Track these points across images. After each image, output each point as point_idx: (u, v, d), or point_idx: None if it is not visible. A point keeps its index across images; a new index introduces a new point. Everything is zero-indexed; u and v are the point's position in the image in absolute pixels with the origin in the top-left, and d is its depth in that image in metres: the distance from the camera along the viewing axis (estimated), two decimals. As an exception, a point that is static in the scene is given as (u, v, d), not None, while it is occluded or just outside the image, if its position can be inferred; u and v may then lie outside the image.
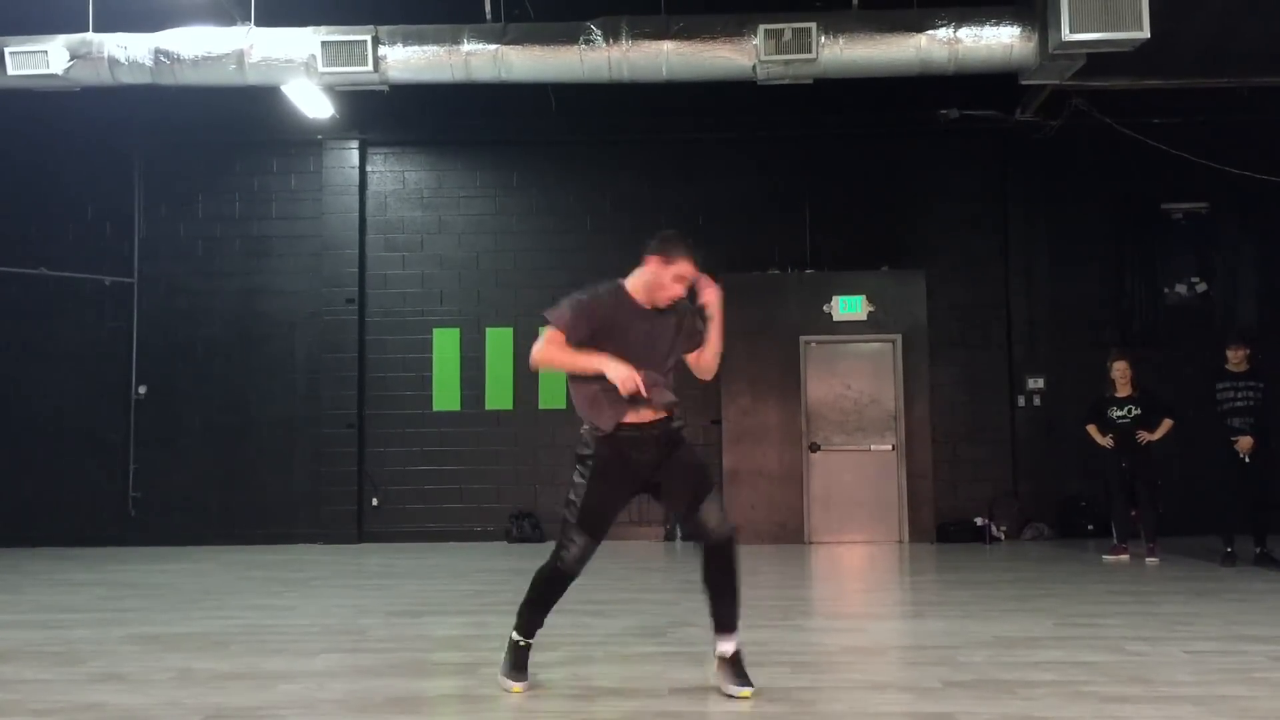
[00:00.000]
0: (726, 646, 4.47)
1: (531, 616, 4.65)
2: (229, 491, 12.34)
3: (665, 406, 4.45)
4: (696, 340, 4.59)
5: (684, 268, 4.41)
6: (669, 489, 4.53)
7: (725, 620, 4.47)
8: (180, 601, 7.66)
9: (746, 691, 4.39)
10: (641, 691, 4.63)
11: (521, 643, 4.64)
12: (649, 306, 4.48)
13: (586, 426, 4.50)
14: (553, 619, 6.60)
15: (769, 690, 4.60)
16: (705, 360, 4.62)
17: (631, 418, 4.41)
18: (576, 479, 4.49)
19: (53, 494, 12.24)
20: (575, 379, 4.49)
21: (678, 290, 4.44)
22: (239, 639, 6.04)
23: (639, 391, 4.25)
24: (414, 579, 8.92)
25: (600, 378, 4.33)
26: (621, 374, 4.24)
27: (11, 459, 12.27)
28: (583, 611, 6.87)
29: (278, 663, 5.34)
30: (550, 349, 4.42)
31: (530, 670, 4.67)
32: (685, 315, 4.57)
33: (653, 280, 4.44)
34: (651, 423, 4.44)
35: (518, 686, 4.59)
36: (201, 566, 9.94)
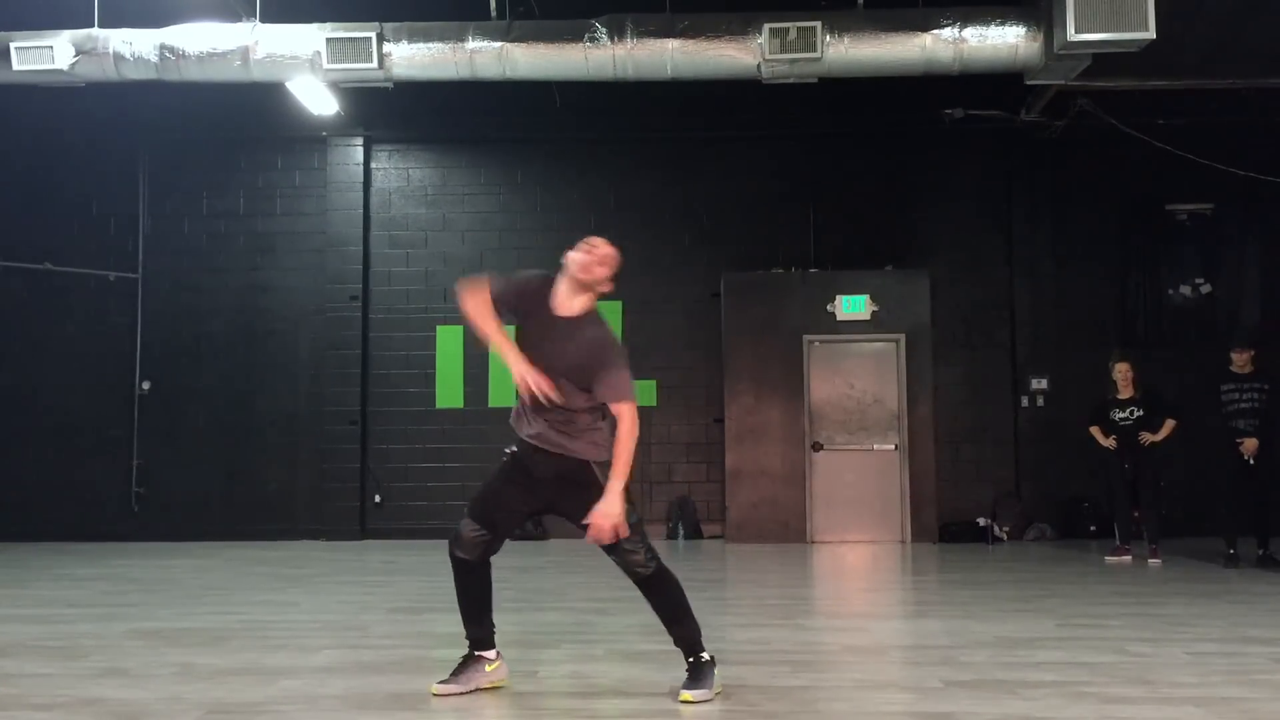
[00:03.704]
0: (688, 659, 4.44)
1: (463, 621, 4.62)
2: (232, 487, 12.35)
3: (541, 434, 4.36)
4: (599, 385, 4.31)
5: (593, 240, 4.45)
6: (574, 523, 4.38)
7: (680, 644, 4.45)
8: (182, 597, 7.67)
9: (687, 695, 4.33)
10: (643, 690, 4.63)
11: (468, 651, 4.64)
12: (559, 309, 4.40)
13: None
14: (555, 617, 6.63)
15: (770, 689, 4.61)
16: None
17: (514, 425, 4.46)
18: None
19: (56, 489, 12.26)
20: None
21: (585, 258, 4.37)
22: (240, 634, 6.05)
23: (532, 392, 4.21)
24: (416, 576, 8.92)
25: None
26: (516, 372, 4.24)
27: (15, 453, 12.29)
28: (583, 610, 6.89)
29: (279, 658, 5.34)
30: (477, 297, 4.38)
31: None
32: (584, 340, 4.34)
33: (567, 265, 4.39)
34: (536, 447, 4.39)
35: (437, 687, 4.56)
36: (204, 562, 9.95)
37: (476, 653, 4.60)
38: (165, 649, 5.62)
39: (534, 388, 4.21)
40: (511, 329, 4.51)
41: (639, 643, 5.69)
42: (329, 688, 4.69)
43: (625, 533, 4.24)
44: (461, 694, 4.51)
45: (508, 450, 4.54)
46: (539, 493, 4.44)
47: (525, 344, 4.37)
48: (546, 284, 4.46)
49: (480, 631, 4.60)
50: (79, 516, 12.19)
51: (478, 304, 4.38)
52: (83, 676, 4.97)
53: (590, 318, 4.42)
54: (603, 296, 4.47)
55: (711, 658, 4.45)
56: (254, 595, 7.77)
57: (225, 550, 11.00)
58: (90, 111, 11.59)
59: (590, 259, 4.38)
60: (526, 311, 4.42)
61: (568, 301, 4.41)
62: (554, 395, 4.24)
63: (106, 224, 12.65)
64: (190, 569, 9.44)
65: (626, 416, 4.26)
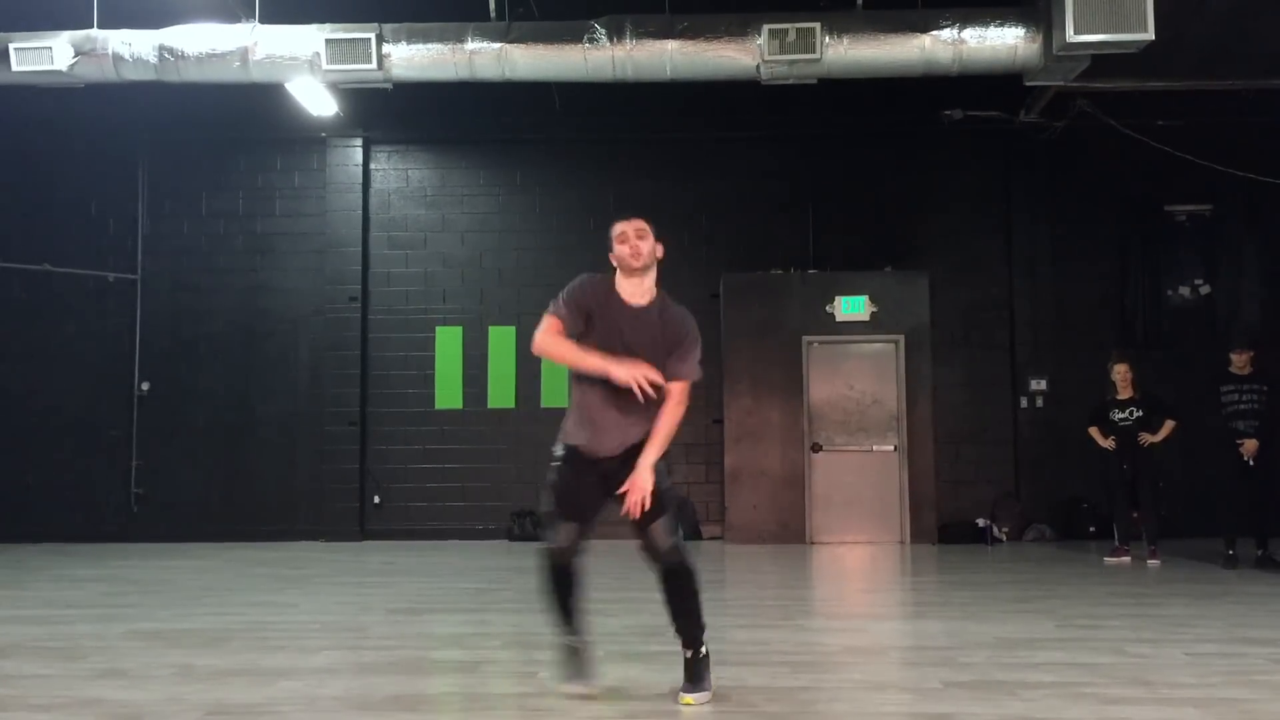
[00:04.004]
0: (686, 651, 4.44)
1: (551, 614, 4.57)
2: (231, 488, 12.35)
3: (634, 438, 4.36)
4: (673, 368, 4.35)
5: (617, 229, 4.43)
6: (620, 500, 4.38)
7: (682, 635, 4.44)
8: (181, 598, 7.67)
9: (689, 699, 4.34)
10: (643, 691, 4.63)
11: (570, 646, 4.56)
12: (627, 301, 4.41)
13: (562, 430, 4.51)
14: (554, 617, 6.62)
15: (769, 690, 4.61)
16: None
17: (591, 447, 4.39)
18: (550, 470, 4.50)
19: (55, 490, 12.26)
20: (575, 387, 4.44)
21: (629, 248, 4.36)
22: (240, 635, 6.05)
23: (643, 389, 4.17)
24: (415, 577, 8.92)
25: (583, 391, 4.35)
26: (624, 374, 4.19)
27: (14, 454, 12.28)
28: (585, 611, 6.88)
29: (278, 659, 5.34)
30: (546, 337, 4.39)
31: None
32: (672, 326, 4.41)
33: (620, 263, 4.41)
34: (610, 457, 4.38)
35: (569, 688, 4.49)
36: (203, 563, 9.95)
37: (569, 640, 4.56)
38: (165, 650, 5.62)
39: (645, 381, 4.19)
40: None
41: (639, 644, 5.69)
42: (328, 689, 4.69)
43: (648, 506, 4.25)
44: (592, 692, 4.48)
45: (559, 455, 4.47)
46: (611, 485, 4.39)
47: (604, 344, 4.33)
48: (605, 281, 4.47)
49: (580, 625, 4.57)
50: (78, 517, 12.20)
51: (551, 341, 4.38)
52: (82, 677, 4.97)
53: (665, 299, 4.47)
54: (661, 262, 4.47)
55: (708, 652, 4.44)
56: (253, 596, 7.77)
57: (225, 551, 11.00)
58: (89, 112, 11.58)
59: (629, 247, 4.37)
60: (595, 313, 4.38)
61: (637, 291, 4.42)
62: (661, 379, 4.25)
63: (105, 225, 12.65)
64: (190, 570, 9.43)
65: (679, 392, 4.34)
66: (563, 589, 4.52)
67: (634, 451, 4.34)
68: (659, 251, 4.46)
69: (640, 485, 4.24)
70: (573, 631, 4.55)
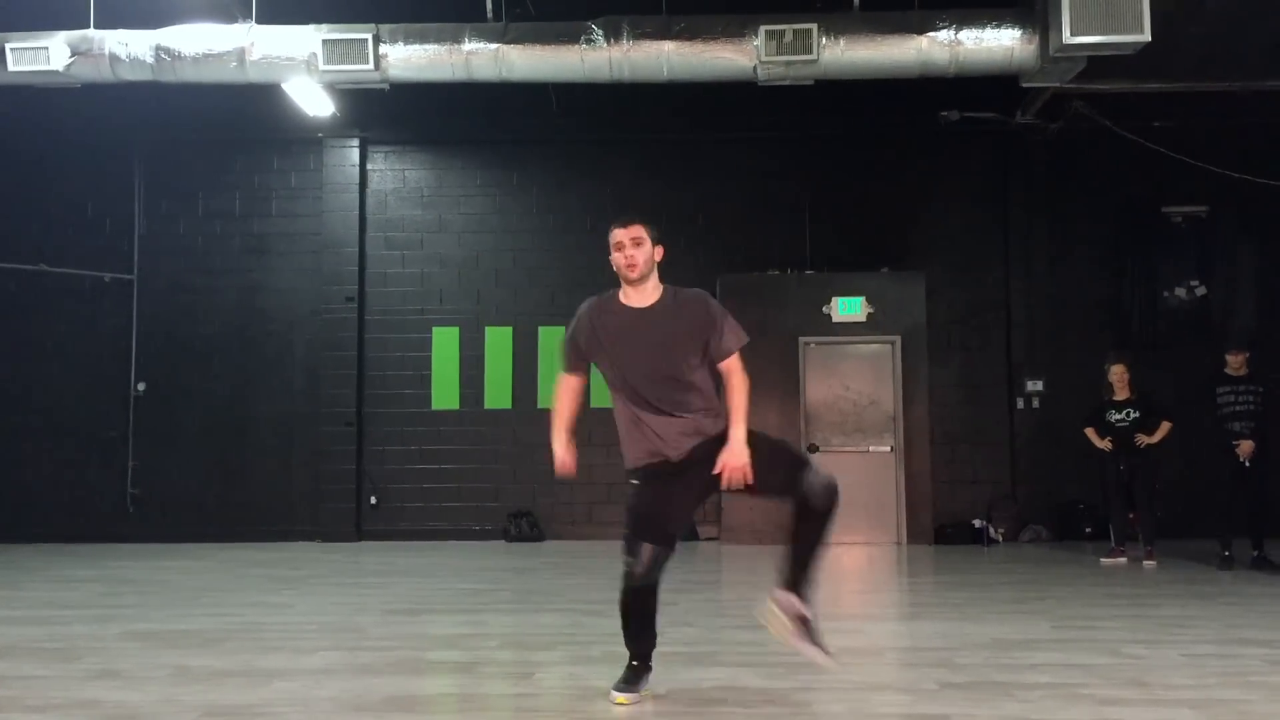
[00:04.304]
0: (789, 593, 4.37)
1: (635, 641, 4.48)
2: (227, 489, 12.34)
3: (691, 435, 4.33)
4: (715, 350, 4.37)
5: (612, 237, 4.42)
6: (755, 485, 4.33)
7: (786, 576, 4.37)
8: (178, 599, 7.66)
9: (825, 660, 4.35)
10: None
11: (634, 663, 4.48)
12: (632, 306, 4.41)
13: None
14: (550, 619, 6.63)
15: (766, 691, 4.61)
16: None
17: (665, 456, 4.34)
18: (629, 491, 4.45)
19: (52, 490, 12.25)
20: (617, 407, 4.45)
21: (623, 257, 4.35)
22: (236, 636, 6.04)
23: (561, 473, 4.42)
24: (412, 577, 8.92)
25: (623, 406, 4.38)
26: (557, 460, 4.48)
27: (11, 455, 12.28)
28: (580, 611, 6.88)
29: (274, 660, 5.34)
30: (558, 389, 4.60)
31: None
32: (689, 313, 4.39)
33: (617, 272, 4.41)
34: (687, 458, 4.34)
35: (622, 698, 4.38)
36: (199, 564, 9.94)
37: (643, 663, 4.48)
38: (161, 651, 5.62)
39: (563, 470, 4.45)
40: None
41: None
42: (325, 689, 4.69)
43: (751, 478, 4.24)
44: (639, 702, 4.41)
45: (634, 478, 4.42)
46: (700, 479, 4.36)
47: (626, 356, 4.34)
48: (603, 302, 4.47)
49: (652, 642, 4.50)
50: (74, 518, 12.18)
51: (557, 396, 4.60)
52: (78, 678, 4.97)
53: (671, 289, 4.47)
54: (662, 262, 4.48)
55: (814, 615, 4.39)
56: (249, 597, 7.77)
57: (221, 552, 10.99)
58: (85, 112, 11.57)
59: (625, 257, 4.36)
60: (603, 335, 4.39)
61: (638, 296, 4.43)
62: (567, 471, 4.47)
63: (102, 225, 12.64)
64: (186, 570, 9.43)
65: (734, 366, 4.37)
66: (643, 610, 4.43)
67: (708, 443, 4.32)
68: (658, 255, 4.43)
69: (734, 461, 4.22)
70: (645, 656, 4.48)
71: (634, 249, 4.36)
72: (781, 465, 4.32)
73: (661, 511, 4.34)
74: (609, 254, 4.43)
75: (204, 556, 10.55)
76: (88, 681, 4.90)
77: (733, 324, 4.40)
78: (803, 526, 4.31)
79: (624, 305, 4.43)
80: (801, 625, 4.35)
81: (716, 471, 4.24)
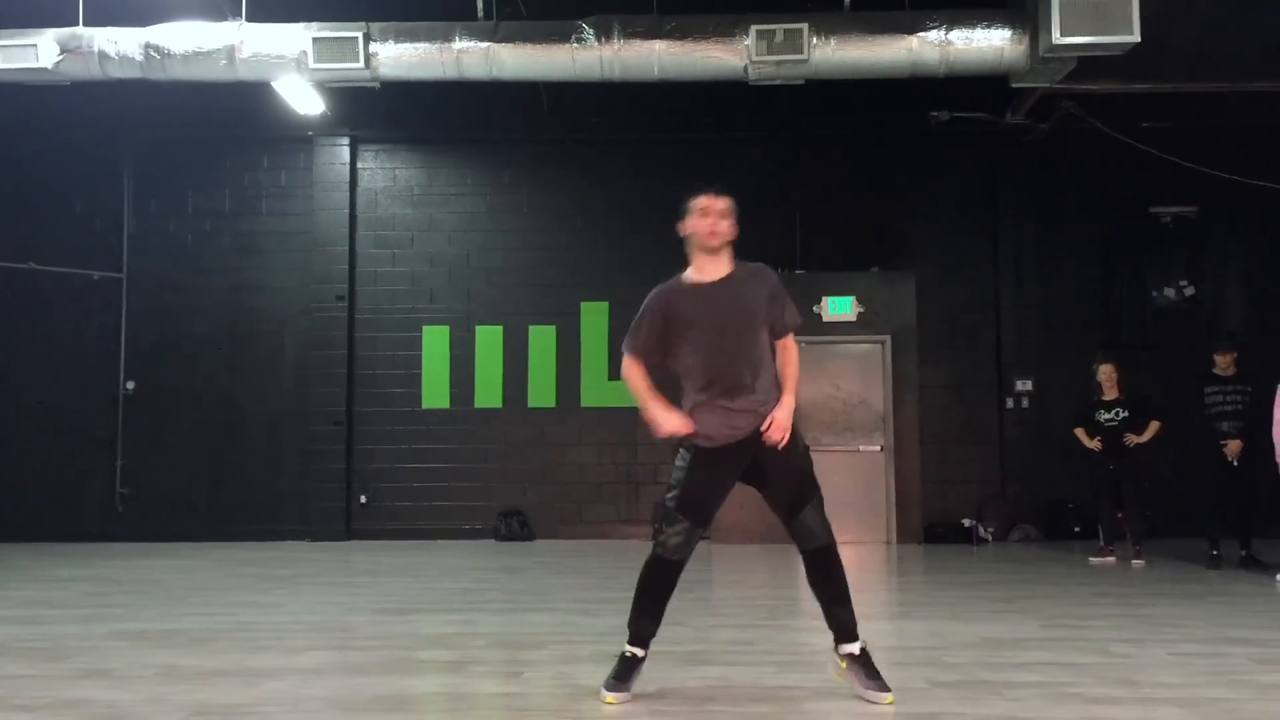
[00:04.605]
0: (850, 648, 4.41)
1: (640, 619, 4.48)
2: (217, 488, 12.32)
3: (757, 413, 4.36)
4: (777, 326, 4.47)
5: (700, 202, 4.40)
6: (771, 486, 4.45)
7: (838, 627, 4.42)
8: (166, 598, 7.64)
9: (888, 698, 4.30)
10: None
11: (628, 653, 4.46)
12: (707, 281, 4.41)
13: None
14: (540, 618, 6.63)
15: (756, 689, 4.61)
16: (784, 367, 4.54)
17: (728, 436, 4.35)
18: (678, 462, 4.46)
19: (40, 489, 12.21)
20: (690, 387, 4.45)
21: (709, 223, 4.35)
22: (225, 636, 6.03)
23: (663, 434, 4.32)
24: (401, 576, 8.90)
25: (698, 389, 4.36)
26: (660, 426, 4.36)
27: (-2, 454, 12.24)
28: (570, 610, 6.88)
29: (263, 660, 5.32)
30: (626, 369, 4.51)
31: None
32: (757, 288, 4.44)
33: (691, 237, 4.42)
34: (748, 436, 4.37)
35: (611, 697, 4.36)
36: (188, 563, 9.91)
37: (638, 651, 4.47)
38: (149, 650, 5.60)
39: (670, 432, 4.35)
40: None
41: (624, 644, 5.68)
42: (314, 689, 4.67)
43: (785, 445, 4.35)
44: (629, 701, 4.39)
45: (689, 456, 4.41)
46: (742, 462, 4.42)
47: (708, 334, 4.34)
48: (673, 287, 4.46)
49: (655, 628, 4.52)
50: (63, 517, 12.15)
51: (634, 381, 4.48)
52: (66, 678, 4.95)
53: (742, 264, 4.48)
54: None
55: (864, 648, 4.43)
56: (239, 596, 7.75)
57: (210, 551, 10.96)
58: (74, 110, 11.54)
59: (710, 222, 4.36)
60: (676, 317, 4.38)
61: (713, 268, 4.43)
62: (687, 429, 4.36)
63: (91, 223, 12.61)
64: (175, 570, 9.40)
65: (792, 343, 4.54)
66: (662, 588, 4.47)
67: (754, 427, 4.38)
68: (733, 232, 4.43)
69: (784, 420, 4.34)
70: (644, 641, 4.48)
71: (720, 219, 4.38)
72: (802, 475, 4.45)
73: (710, 494, 4.44)
74: (680, 221, 4.44)
75: (193, 556, 10.52)
76: (76, 681, 4.88)
77: (792, 301, 4.52)
78: (820, 574, 4.45)
79: (699, 282, 4.43)
80: (860, 666, 4.40)
81: (764, 429, 4.31)
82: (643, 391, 4.44)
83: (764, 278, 4.48)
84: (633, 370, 4.47)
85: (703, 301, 4.39)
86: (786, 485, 4.43)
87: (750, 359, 4.37)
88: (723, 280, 4.42)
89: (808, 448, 4.57)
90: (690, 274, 4.49)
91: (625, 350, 4.50)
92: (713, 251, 4.40)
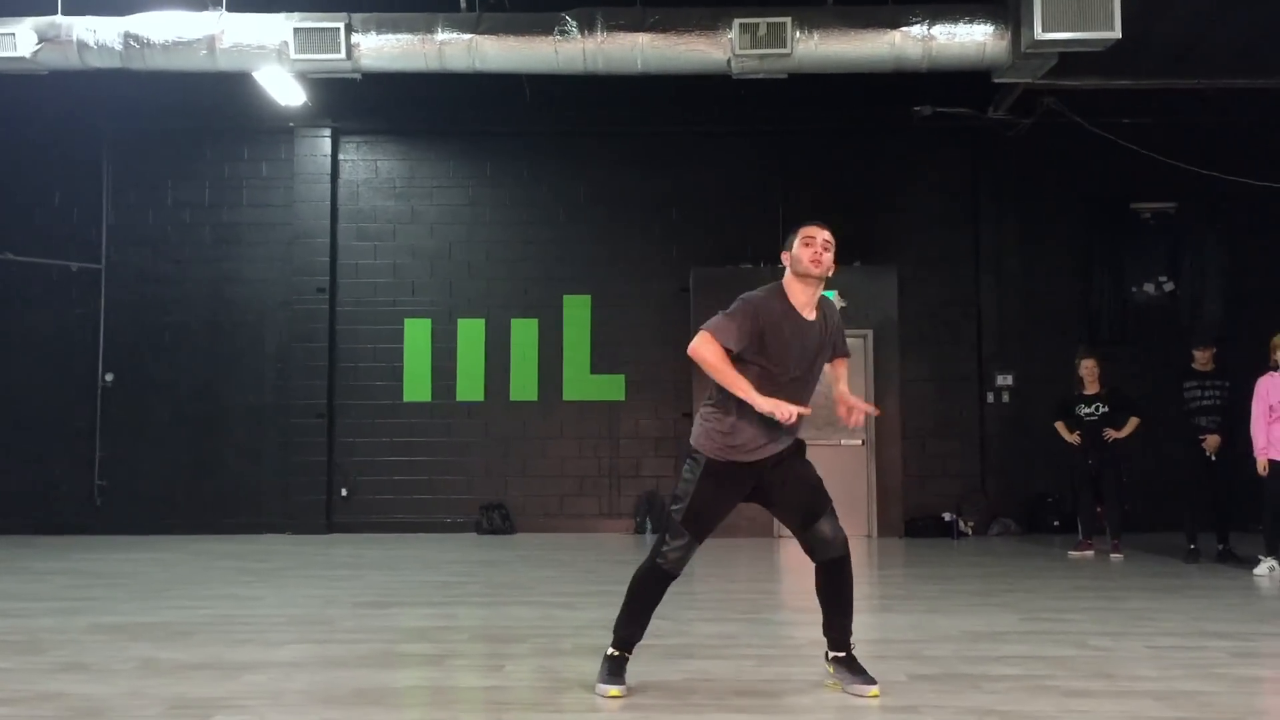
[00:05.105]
0: (840, 653, 4.50)
1: (629, 625, 4.49)
2: (196, 481, 12.25)
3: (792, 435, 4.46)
4: (839, 351, 4.67)
5: (807, 231, 4.47)
6: (780, 501, 4.51)
7: (837, 636, 4.50)
8: (145, 591, 7.60)
9: (873, 690, 4.37)
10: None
11: (615, 654, 4.47)
12: (805, 317, 4.44)
13: (703, 438, 4.44)
14: (522, 611, 6.62)
15: (736, 682, 4.62)
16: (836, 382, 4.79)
17: (761, 453, 4.40)
18: (686, 474, 4.46)
19: (17, 481, 12.12)
20: (725, 391, 4.41)
21: (812, 253, 4.39)
22: (205, 629, 6.00)
23: (789, 419, 4.26)
24: (382, 570, 8.88)
25: (741, 408, 4.32)
26: (771, 410, 4.23)
27: (-25, 446, 12.14)
28: (551, 604, 6.88)
29: (243, 653, 5.30)
30: (708, 349, 4.34)
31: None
32: (831, 325, 4.57)
33: (795, 263, 4.44)
34: (774, 456, 4.44)
35: (614, 690, 4.37)
36: (168, 556, 9.86)
37: (624, 653, 4.48)
38: (127, 643, 5.57)
39: (795, 415, 4.27)
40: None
41: (605, 637, 5.67)
42: (294, 682, 4.66)
43: (861, 421, 4.62)
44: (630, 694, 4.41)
45: (704, 467, 4.39)
46: (746, 484, 4.47)
47: (781, 355, 4.35)
48: (775, 305, 4.42)
49: (642, 634, 4.53)
50: (40, 510, 12.06)
51: (717, 362, 4.33)
52: (43, 671, 4.92)
53: (824, 305, 4.57)
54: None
55: (851, 650, 4.52)
56: (218, 589, 7.71)
57: (189, 544, 10.91)
58: (53, 100, 11.45)
59: (814, 252, 4.40)
60: (767, 329, 4.35)
61: (808, 302, 4.46)
62: (807, 411, 4.39)
63: (69, 213, 12.50)
64: (154, 563, 9.35)
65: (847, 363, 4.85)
66: (652, 596, 4.48)
67: (789, 450, 4.50)
68: (833, 268, 4.49)
69: (861, 404, 4.70)
70: (630, 646, 4.50)
71: (825, 251, 4.44)
72: (812, 487, 4.56)
73: (715, 510, 4.45)
74: (785, 249, 4.50)
75: (172, 548, 10.47)
76: (53, 674, 4.85)
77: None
78: (834, 585, 4.50)
79: (800, 313, 4.44)
80: (846, 666, 4.49)
81: (844, 410, 4.66)
82: (733, 375, 4.32)
83: (835, 314, 4.66)
84: (719, 353, 4.34)
85: (800, 330, 4.42)
86: (798, 498, 4.50)
87: (809, 389, 4.52)
88: (812, 321, 4.47)
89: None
90: (789, 297, 4.46)
91: (714, 336, 4.35)
92: (810, 281, 4.44)
